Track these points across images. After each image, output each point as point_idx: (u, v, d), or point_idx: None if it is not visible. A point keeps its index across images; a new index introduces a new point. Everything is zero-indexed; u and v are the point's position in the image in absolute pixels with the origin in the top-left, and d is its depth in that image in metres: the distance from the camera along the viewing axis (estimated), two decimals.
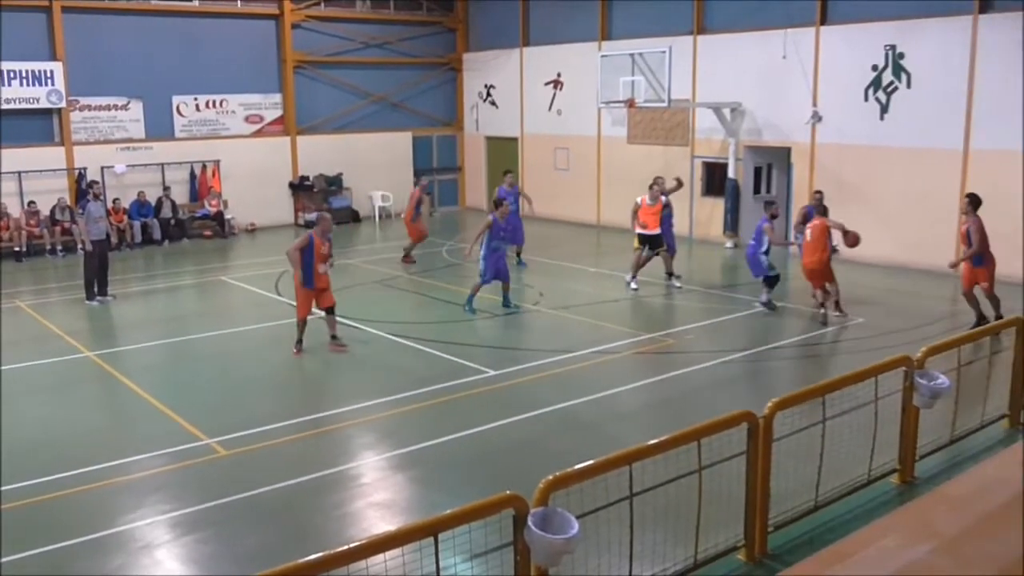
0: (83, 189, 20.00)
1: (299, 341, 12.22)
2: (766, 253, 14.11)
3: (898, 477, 7.56)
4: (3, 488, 7.93)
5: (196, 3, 22.96)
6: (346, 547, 4.30)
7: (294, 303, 13.24)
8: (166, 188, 22.45)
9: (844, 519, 6.87)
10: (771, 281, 14.26)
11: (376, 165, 25.90)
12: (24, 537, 7.07)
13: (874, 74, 17.63)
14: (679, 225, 21.36)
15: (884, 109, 17.59)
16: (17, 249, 20.03)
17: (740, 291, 15.67)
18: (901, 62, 17.23)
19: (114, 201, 21.16)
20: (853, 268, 17.34)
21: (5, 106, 20.34)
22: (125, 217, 21.51)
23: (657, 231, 15.73)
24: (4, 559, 6.71)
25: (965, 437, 8.27)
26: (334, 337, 12.45)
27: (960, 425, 8.22)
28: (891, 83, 17.42)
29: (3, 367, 11.64)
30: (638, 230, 15.87)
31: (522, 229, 18.04)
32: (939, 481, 7.41)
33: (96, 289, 15.43)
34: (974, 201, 12.64)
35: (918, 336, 12.37)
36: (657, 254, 16.10)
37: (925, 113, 16.93)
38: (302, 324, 12.23)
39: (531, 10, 25.13)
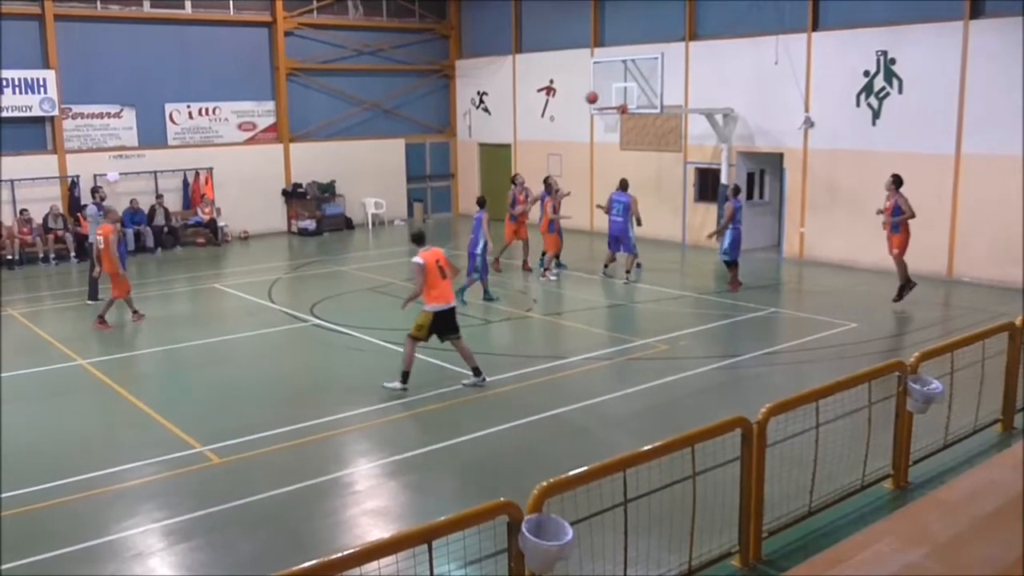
0: (86, 193, 20.48)
1: (136, 311, 14.53)
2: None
3: (892, 482, 7.56)
4: None
5: (189, 11, 22.95)
6: (339, 554, 4.28)
7: (288, 310, 13.32)
8: (159, 196, 22.42)
9: (838, 524, 6.86)
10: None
11: (369, 172, 25.90)
12: (17, 546, 7.03)
13: (866, 79, 17.69)
14: (673, 230, 21.53)
15: (876, 114, 17.64)
16: (10, 257, 19.98)
17: (733, 296, 15.68)
18: (893, 67, 17.29)
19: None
20: (846, 273, 17.39)
21: None
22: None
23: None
24: None
25: (959, 442, 8.27)
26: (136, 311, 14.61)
27: (953, 430, 8.22)
28: (883, 88, 17.49)
29: None
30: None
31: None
32: (933, 486, 7.41)
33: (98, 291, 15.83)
34: (897, 180, 14.34)
35: (911, 341, 12.41)
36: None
37: (917, 118, 16.98)
38: (128, 300, 14.43)
39: (523, 17, 25.18)
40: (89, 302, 15.73)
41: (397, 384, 10.52)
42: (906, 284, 14.57)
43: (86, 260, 20.39)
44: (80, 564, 6.84)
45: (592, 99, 19.40)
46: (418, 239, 11.02)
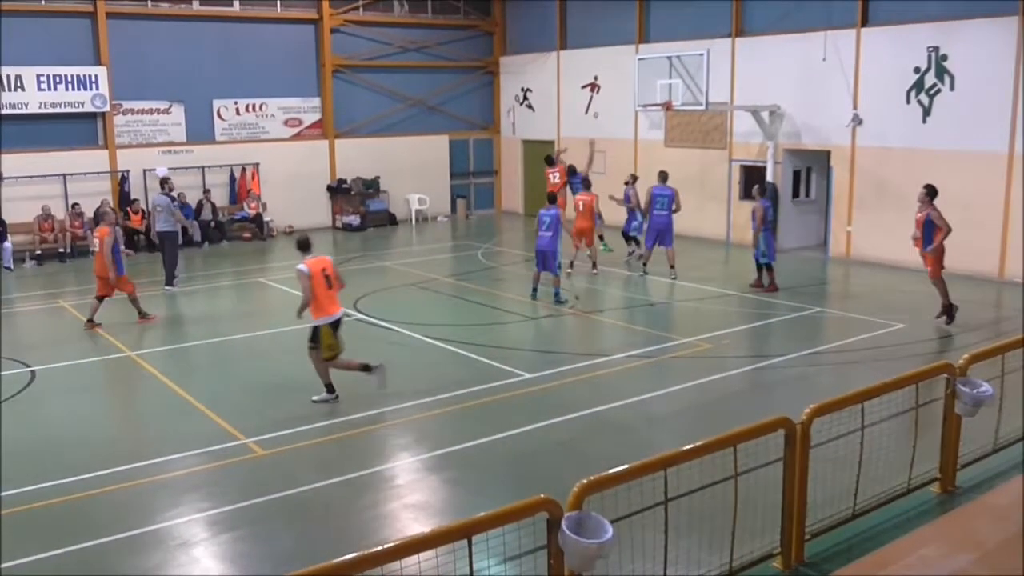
0: (135, 188, 21.73)
1: (144, 313, 14.31)
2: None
3: (939, 486, 7.43)
4: (41, 486, 8.09)
5: (236, 8, 23.25)
6: (380, 548, 4.31)
7: None
8: (206, 191, 22.74)
9: (883, 528, 6.76)
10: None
11: (413, 168, 26.03)
12: (62, 534, 7.19)
13: (916, 76, 17.37)
14: (717, 228, 21.35)
15: (926, 111, 17.32)
16: (61, 250, 20.42)
17: (777, 295, 15.51)
18: (944, 64, 16.96)
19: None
20: (893, 273, 17.12)
21: (51, 110, 20.80)
22: None
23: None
24: (42, 556, 6.84)
25: (1009, 446, 8.10)
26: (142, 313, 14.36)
27: (1003, 434, 8.06)
28: (934, 85, 17.16)
29: (44, 366, 11.87)
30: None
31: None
32: (982, 491, 7.28)
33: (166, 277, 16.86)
34: (931, 191, 13.23)
35: (960, 343, 12.18)
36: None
37: (969, 115, 16.65)
38: (136, 299, 14.22)
39: (568, 13, 25.12)
40: (167, 288, 16.64)
41: (324, 395, 10.30)
42: (950, 306, 13.26)
43: (136, 253, 20.94)
44: (125, 552, 6.97)
45: (668, 107, 19.80)
46: (303, 246, 10.29)
